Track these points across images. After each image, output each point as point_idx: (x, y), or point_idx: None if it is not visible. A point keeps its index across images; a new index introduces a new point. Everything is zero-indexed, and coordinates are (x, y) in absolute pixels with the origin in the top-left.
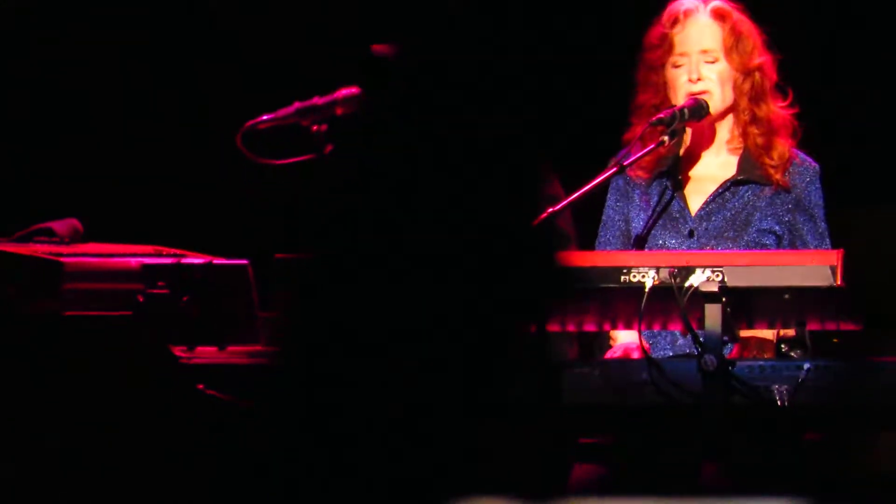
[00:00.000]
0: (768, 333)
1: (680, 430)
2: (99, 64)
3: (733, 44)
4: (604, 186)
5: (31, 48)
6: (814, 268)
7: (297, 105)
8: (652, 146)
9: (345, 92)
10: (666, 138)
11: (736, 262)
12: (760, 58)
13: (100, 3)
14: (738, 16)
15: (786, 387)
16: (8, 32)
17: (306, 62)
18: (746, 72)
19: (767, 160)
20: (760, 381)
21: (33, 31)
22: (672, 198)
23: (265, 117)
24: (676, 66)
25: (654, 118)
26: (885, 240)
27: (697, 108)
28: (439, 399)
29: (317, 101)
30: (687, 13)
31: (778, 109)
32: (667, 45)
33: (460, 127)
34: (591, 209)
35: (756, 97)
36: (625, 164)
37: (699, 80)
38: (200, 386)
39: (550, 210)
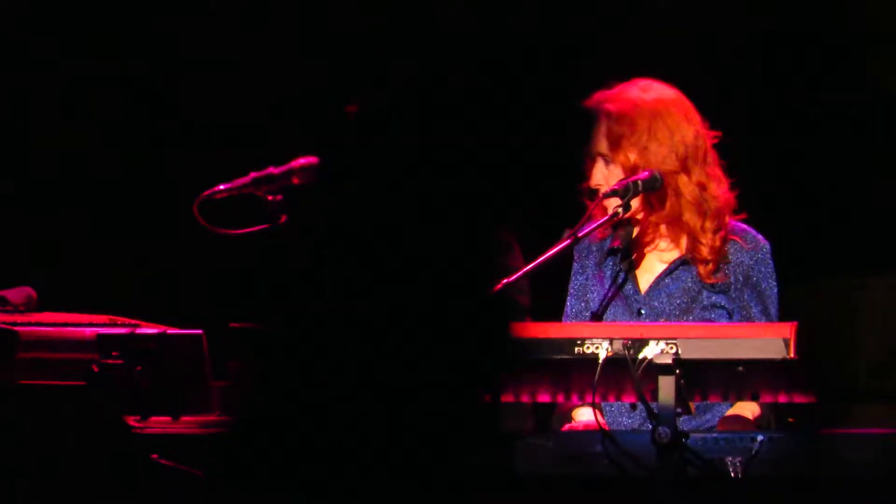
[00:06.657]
0: (748, 411)
1: (634, 502)
2: (57, 133)
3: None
4: (559, 257)
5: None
6: (767, 340)
7: (252, 175)
8: (606, 218)
9: (302, 161)
10: (620, 210)
11: (689, 335)
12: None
13: (66, 76)
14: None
15: (739, 459)
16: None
17: (263, 131)
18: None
19: (698, 256)
20: (714, 454)
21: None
22: (624, 277)
23: (221, 187)
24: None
25: (608, 190)
26: (834, 313)
27: (651, 181)
28: (395, 466)
29: (272, 170)
30: (589, 114)
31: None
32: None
33: (415, 196)
34: (547, 279)
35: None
36: (579, 235)
37: (597, 185)
38: (154, 456)
39: (505, 281)
